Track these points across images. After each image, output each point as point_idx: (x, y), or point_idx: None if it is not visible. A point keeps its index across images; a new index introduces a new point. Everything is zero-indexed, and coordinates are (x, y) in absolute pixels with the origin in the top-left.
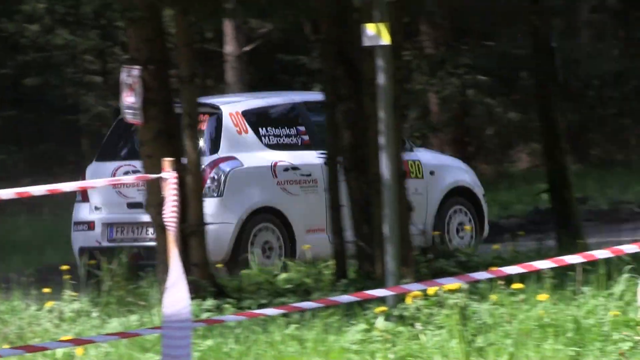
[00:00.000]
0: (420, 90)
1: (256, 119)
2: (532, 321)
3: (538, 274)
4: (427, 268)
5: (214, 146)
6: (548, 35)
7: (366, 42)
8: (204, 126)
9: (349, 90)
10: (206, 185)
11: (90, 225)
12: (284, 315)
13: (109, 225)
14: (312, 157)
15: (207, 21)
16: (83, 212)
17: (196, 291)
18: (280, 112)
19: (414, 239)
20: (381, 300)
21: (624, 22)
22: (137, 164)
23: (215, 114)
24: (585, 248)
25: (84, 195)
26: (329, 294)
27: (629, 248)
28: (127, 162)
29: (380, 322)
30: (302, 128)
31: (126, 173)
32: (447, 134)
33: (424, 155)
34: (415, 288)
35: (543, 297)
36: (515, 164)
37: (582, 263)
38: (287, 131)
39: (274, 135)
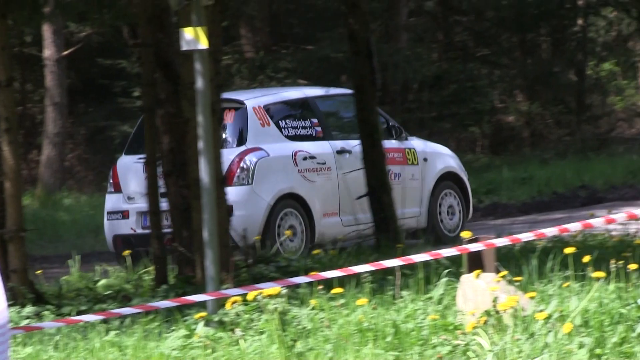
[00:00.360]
0: None
1: (276, 112)
2: (352, 326)
3: (358, 279)
4: (247, 273)
5: (241, 138)
6: (367, 39)
7: (184, 47)
8: (230, 120)
9: (168, 94)
10: (236, 174)
11: (124, 214)
12: (104, 321)
13: (143, 214)
14: (326, 147)
15: (25, 25)
16: (116, 202)
17: (15, 298)
18: (297, 106)
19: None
20: (201, 306)
21: (442, 26)
22: None
23: (240, 108)
24: (405, 252)
25: (115, 187)
26: (148, 300)
27: (447, 252)
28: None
29: (200, 328)
30: (315, 120)
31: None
32: None
33: (418, 144)
34: (234, 293)
35: (362, 301)
36: None
37: (402, 267)
38: (303, 123)
39: (292, 127)
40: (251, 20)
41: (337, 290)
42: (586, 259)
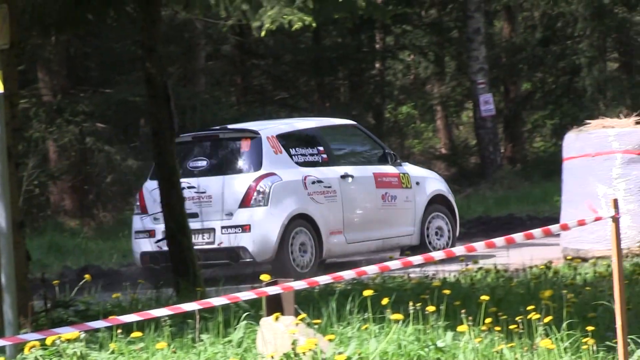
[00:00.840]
0: (38, 138)
1: (287, 141)
2: None
3: (157, 322)
4: (46, 317)
5: (257, 164)
6: (164, 82)
7: None
8: (246, 148)
9: None
10: (253, 197)
11: (150, 233)
12: None
13: None
14: (331, 172)
15: None
16: (143, 222)
17: None
18: (304, 135)
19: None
20: (0, 351)
21: (240, 70)
22: (191, 180)
23: (255, 137)
24: (204, 295)
25: (142, 209)
26: None
27: (245, 295)
28: (181, 180)
29: None
30: (321, 148)
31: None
32: (66, 182)
33: (410, 169)
34: (32, 338)
35: (162, 345)
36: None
37: (201, 311)
38: (311, 150)
39: (301, 154)
40: (48, 64)
41: (137, 334)
42: (385, 301)
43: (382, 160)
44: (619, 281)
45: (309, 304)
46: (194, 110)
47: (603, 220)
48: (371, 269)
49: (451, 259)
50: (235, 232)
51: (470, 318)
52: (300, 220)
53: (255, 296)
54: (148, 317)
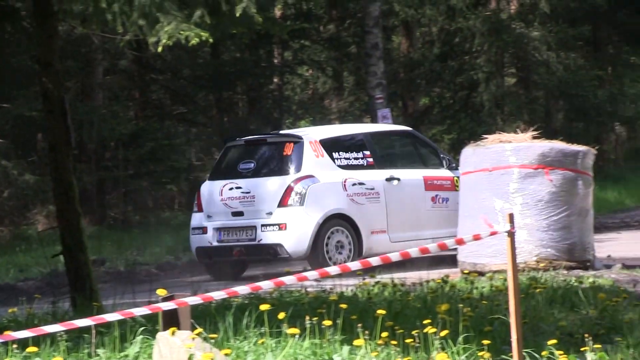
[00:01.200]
0: None
1: (330, 145)
2: None
3: (53, 337)
4: None
5: (297, 167)
6: (61, 97)
7: None
8: (289, 152)
9: None
10: (291, 197)
11: (203, 230)
12: None
13: (218, 230)
14: (376, 175)
15: None
16: (198, 220)
17: None
18: (349, 140)
19: None
20: None
21: (138, 84)
22: (239, 181)
23: (298, 142)
24: (101, 310)
25: (199, 207)
26: None
27: (139, 311)
28: (231, 181)
29: None
30: (367, 152)
31: (230, 189)
32: None
33: None
34: None
35: None
36: (32, 226)
37: (98, 325)
38: (355, 155)
39: (345, 158)
40: None
41: (32, 349)
42: (281, 315)
43: (437, 164)
44: (515, 295)
45: (206, 319)
46: (91, 125)
47: (500, 235)
48: (266, 284)
49: (348, 274)
50: (273, 230)
51: (366, 332)
52: (338, 220)
53: (149, 312)
54: (41, 333)
